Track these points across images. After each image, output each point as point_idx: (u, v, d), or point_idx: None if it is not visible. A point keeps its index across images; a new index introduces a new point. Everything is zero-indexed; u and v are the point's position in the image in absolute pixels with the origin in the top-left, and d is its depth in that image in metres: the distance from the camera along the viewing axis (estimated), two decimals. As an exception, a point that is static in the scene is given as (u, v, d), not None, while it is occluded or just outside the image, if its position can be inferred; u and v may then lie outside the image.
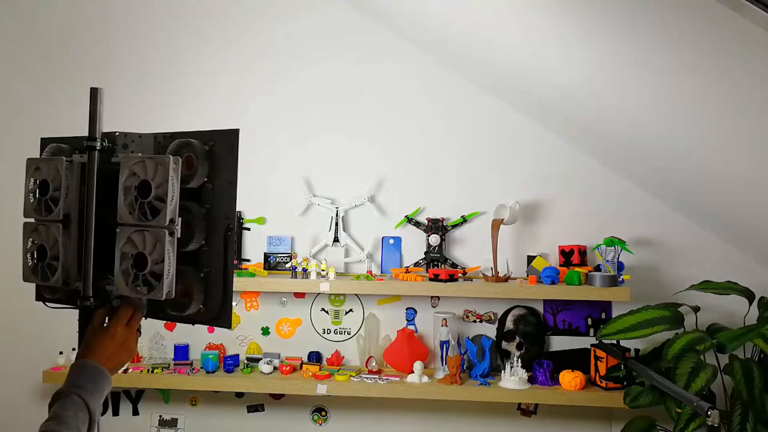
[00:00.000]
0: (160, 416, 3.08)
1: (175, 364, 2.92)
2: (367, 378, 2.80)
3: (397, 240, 3.02)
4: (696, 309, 2.66)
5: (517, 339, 2.89)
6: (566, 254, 2.89)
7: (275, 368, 2.90)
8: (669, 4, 1.79)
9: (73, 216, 1.38)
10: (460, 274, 2.83)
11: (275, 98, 3.08)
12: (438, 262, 2.97)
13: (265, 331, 3.05)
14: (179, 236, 1.31)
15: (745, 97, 1.92)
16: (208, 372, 2.86)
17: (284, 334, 3.05)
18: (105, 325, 1.34)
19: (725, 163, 2.28)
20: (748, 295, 2.58)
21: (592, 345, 2.81)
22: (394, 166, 3.04)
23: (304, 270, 2.85)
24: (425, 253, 2.98)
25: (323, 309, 3.05)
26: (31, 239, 1.41)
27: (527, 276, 2.86)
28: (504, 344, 2.90)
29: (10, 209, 2.82)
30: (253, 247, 3.07)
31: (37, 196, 1.40)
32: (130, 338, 1.33)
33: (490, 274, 2.83)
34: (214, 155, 1.37)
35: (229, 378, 2.84)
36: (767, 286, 2.75)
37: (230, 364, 2.89)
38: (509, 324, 2.91)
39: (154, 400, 3.08)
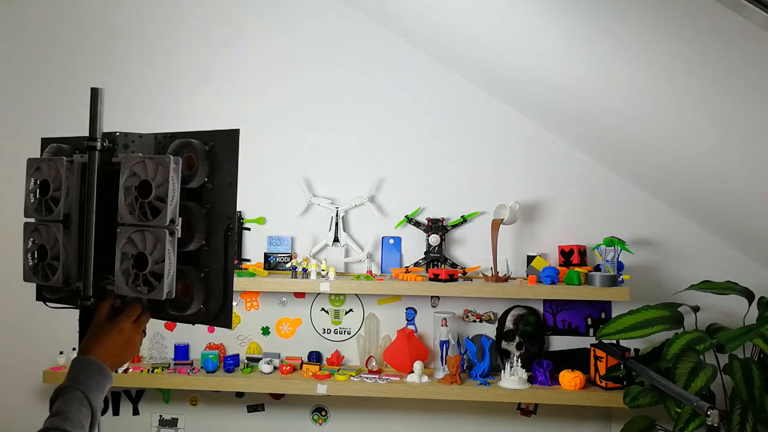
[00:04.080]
0: (160, 416, 3.08)
1: (175, 364, 2.93)
2: (367, 378, 2.80)
3: (397, 240, 3.02)
4: (695, 309, 2.67)
5: (517, 339, 2.89)
6: (566, 254, 2.89)
7: (275, 368, 2.90)
8: (669, 4, 1.79)
9: (74, 216, 1.38)
10: (460, 274, 2.84)
11: (276, 98, 3.08)
12: (438, 262, 2.97)
13: (265, 331, 3.05)
14: (179, 236, 1.31)
15: (745, 97, 1.92)
16: (208, 372, 2.86)
17: (284, 333, 3.05)
18: (110, 320, 1.33)
19: (724, 163, 2.28)
20: (748, 295, 2.58)
21: (591, 345, 2.82)
22: (394, 166, 3.04)
23: (304, 270, 2.85)
24: (425, 253, 2.98)
25: (323, 309, 3.05)
26: (31, 239, 1.42)
27: (527, 276, 2.86)
28: (504, 344, 2.91)
29: (10, 209, 2.83)
30: (253, 247, 3.07)
31: (37, 196, 1.40)
32: (136, 336, 1.32)
33: (490, 274, 2.83)
34: (214, 155, 1.37)
35: (229, 378, 2.84)
36: (767, 286, 2.76)
37: (230, 363, 2.89)
38: (509, 324, 2.91)
39: (154, 400, 3.08)
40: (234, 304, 3.00)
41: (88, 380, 1.20)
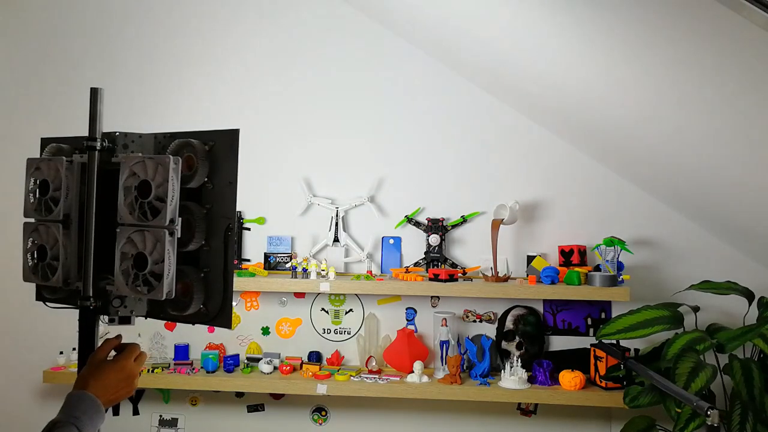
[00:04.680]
0: (160, 416, 3.08)
1: (175, 364, 2.92)
2: (367, 378, 2.80)
3: (397, 240, 3.02)
4: (695, 309, 2.67)
5: (517, 339, 2.89)
6: (566, 254, 2.89)
7: (275, 368, 2.90)
8: (669, 4, 1.79)
9: (74, 216, 1.38)
10: (460, 274, 2.84)
11: (275, 98, 3.08)
12: (438, 262, 2.97)
13: (265, 331, 3.05)
14: (179, 236, 1.31)
15: (745, 98, 1.92)
16: (208, 372, 2.86)
17: (284, 333, 3.05)
18: (110, 356, 1.34)
19: (724, 163, 2.28)
20: (748, 295, 2.58)
21: (591, 345, 2.82)
22: (394, 166, 3.04)
23: (304, 270, 2.85)
24: (425, 253, 2.98)
25: (323, 309, 3.05)
26: (31, 239, 1.42)
27: (527, 276, 2.86)
28: (504, 344, 2.91)
29: (10, 209, 2.83)
30: (253, 247, 3.07)
31: (37, 196, 1.40)
32: (135, 374, 1.33)
33: (490, 274, 2.83)
34: (214, 155, 1.37)
35: (229, 378, 2.84)
36: (767, 286, 2.76)
37: (230, 363, 2.89)
38: (509, 324, 2.91)
39: (154, 400, 3.08)
40: (234, 304, 3.00)
41: (84, 416, 1.20)
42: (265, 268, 2.98)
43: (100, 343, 1.37)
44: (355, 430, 3.01)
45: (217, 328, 2.86)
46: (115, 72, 3.11)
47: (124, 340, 1.39)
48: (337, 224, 3.01)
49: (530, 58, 2.45)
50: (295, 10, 3.08)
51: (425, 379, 2.77)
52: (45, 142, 1.52)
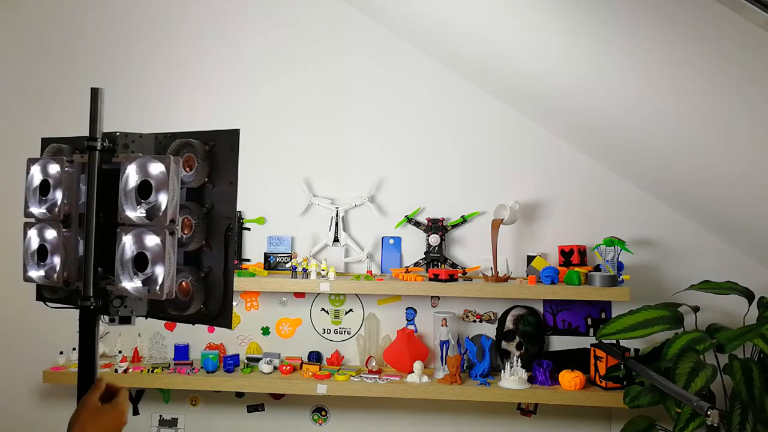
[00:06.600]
0: (160, 416, 3.08)
1: (175, 364, 2.92)
2: (367, 378, 2.80)
3: (397, 240, 3.02)
4: (695, 309, 2.67)
5: (517, 339, 2.89)
6: (566, 254, 2.89)
7: (275, 368, 2.90)
8: (668, 4, 1.79)
9: (74, 216, 1.38)
10: (460, 274, 2.84)
11: (276, 98, 3.08)
12: (438, 262, 2.97)
13: (265, 331, 3.05)
14: (179, 236, 1.31)
15: (745, 97, 1.92)
16: (208, 372, 2.86)
17: (284, 334, 3.05)
18: (101, 403, 1.33)
19: (724, 163, 2.28)
20: (748, 295, 2.58)
21: (591, 345, 2.82)
22: (394, 166, 3.04)
23: (304, 270, 2.85)
24: (425, 253, 2.98)
25: (323, 309, 3.05)
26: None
27: (527, 276, 2.86)
28: (504, 344, 2.91)
29: (10, 209, 2.83)
30: (253, 247, 3.07)
31: (37, 196, 1.40)
32: (126, 419, 1.35)
33: (490, 274, 2.83)
34: (214, 155, 1.37)
35: (229, 378, 2.84)
36: (767, 286, 2.76)
37: (230, 363, 2.89)
38: (509, 324, 2.91)
39: (154, 400, 3.08)
40: (234, 304, 3.00)
41: None
42: (265, 268, 2.98)
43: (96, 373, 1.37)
44: (355, 430, 3.01)
45: (217, 328, 2.87)
46: (115, 72, 3.11)
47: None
48: (337, 224, 3.01)
49: (531, 59, 2.45)
50: (295, 10, 3.08)
51: (425, 379, 2.77)
52: (45, 142, 1.52)
